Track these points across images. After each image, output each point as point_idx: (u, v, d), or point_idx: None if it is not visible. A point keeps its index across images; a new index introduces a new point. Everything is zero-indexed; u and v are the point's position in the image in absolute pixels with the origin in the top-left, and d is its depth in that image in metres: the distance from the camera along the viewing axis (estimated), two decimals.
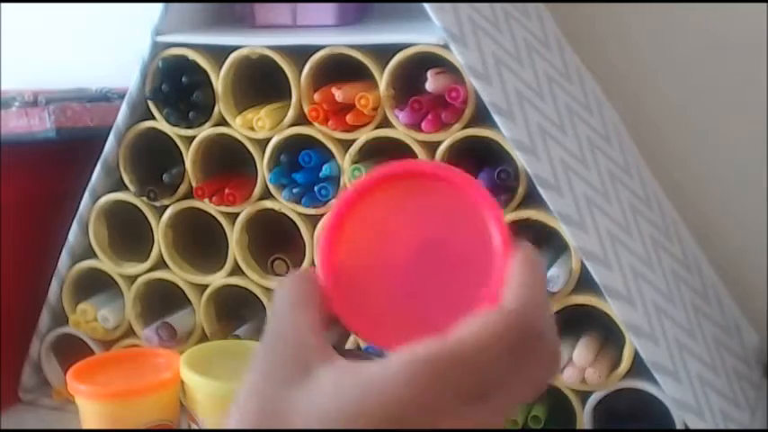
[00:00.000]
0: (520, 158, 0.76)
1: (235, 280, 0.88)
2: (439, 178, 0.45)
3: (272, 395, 0.39)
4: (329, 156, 0.82)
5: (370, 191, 0.46)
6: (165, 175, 0.87)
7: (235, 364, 0.77)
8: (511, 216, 0.78)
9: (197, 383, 0.75)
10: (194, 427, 0.77)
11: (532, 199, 0.78)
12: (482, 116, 0.78)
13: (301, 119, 0.83)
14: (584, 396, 0.78)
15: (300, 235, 0.84)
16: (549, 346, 0.40)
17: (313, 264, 0.84)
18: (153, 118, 0.87)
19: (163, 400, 0.78)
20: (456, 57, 0.76)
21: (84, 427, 0.78)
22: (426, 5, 0.77)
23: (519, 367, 0.39)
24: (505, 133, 0.76)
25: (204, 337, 0.90)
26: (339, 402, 0.38)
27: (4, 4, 1.17)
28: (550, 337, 0.40)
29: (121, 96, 0.89)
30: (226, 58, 0.83)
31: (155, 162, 0.88)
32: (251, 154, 0.84)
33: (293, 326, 0.41)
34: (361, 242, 0.45)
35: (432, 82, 0.78)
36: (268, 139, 0.83)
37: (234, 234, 0.86)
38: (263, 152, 0.84)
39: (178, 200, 0.88)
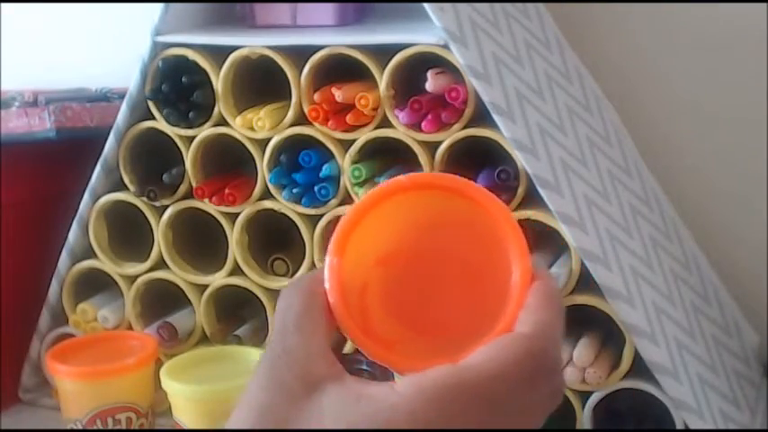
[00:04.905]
0: (520, 158, 0.76)
1: (235, 280, 0.88)
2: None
3: (273, 410, 0.38)
4: (329, 156, 0.82)
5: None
6: (165, 175, 0.87)
7: (213, 369, 0.80)
8: None
9: (177, 390, 0.77)
10: None
11: (532, 199, 0.78)
12: (482, 116, 0.78)
13: (301, 119, 0.83)
14: (584, 396, 0.78)
15: (300, 235, 0.84)
16: (558, 377, 0.39)
17: (314, 266, 0.84)
18: (153, 118, 0.87)
19: (134, 381, 0.81)
20: (456, 57, 0.76)
21: (61, 403, 0.82)
22: (426, 5, 0.77)
23: (530, 397, 0.38)
24: (505, 133, 0.76)
25: (204, 338, 0.90)
26: (344, 428, 0.36)
27: (4, 4, 1.17)
28: (560, 369, 0.40)
29: (121, 96, 0.89)
30: (226, 58, 0.83)
31: (155, 162, 0.88)
32: (251, 154, 0.84)
33: (301, 341, 0.40)
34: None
35: (432, 82, 0.78)
36: (268, 139, 0.83)
37: (234, 234, 0.86)
38: (263, 152, 0.84)
39: (178, 200, 0.88)
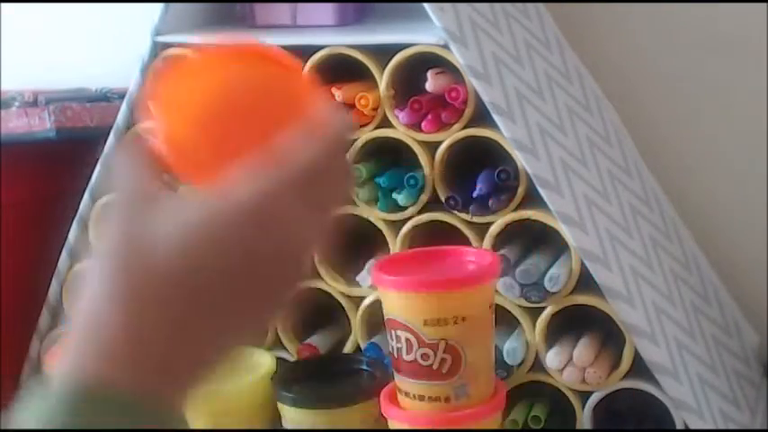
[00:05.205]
0: (520, 158, 0.76)
1: None
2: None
3: (131, 224, 0.44)
4: None
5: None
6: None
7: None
8: (511, 216, 0.78)
9: None
10: None
11: (532, 199, 0.78)
12: (482, 116, 0.78)
13: None
14: (584, 396, 0.78)
15: None
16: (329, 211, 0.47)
17: (314, 265, 0.84)
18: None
19: None
20: (456, 57, 0.76)
21: None
22: (426, 5, 0.77)
23: (339, 176, 0.46)
24: (505, 133, 0.76)
25: None
26: (182, 220, 0.43)
27: (4, 4, 1.17)
28: (333, 200, 0.47)
29: (121, 96, 0.89)
30: None
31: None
32: None
33: (136, 174, 0.47)
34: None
35: (432, 82, 0.78)
36: None
37: None
38: None
39: None
